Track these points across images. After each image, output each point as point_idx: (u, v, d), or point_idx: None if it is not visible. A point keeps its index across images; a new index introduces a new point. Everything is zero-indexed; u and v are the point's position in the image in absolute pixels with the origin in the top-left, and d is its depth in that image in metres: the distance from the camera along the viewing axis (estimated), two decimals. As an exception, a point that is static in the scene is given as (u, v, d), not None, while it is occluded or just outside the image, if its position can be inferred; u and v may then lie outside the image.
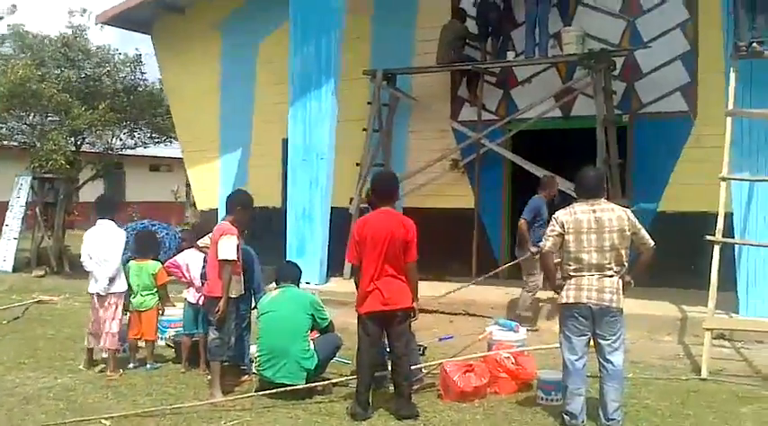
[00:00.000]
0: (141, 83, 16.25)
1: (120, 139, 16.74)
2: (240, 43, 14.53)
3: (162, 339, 7.73)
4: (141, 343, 7.33)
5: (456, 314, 10.21)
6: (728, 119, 8.28)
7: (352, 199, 12.34)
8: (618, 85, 11.39)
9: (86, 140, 15.80)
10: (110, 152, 16.68)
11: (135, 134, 16.84)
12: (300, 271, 6.75)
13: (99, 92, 14.60)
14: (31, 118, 14.51)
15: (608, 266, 5.27)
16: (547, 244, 5.43)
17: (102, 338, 6.96)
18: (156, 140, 16.96)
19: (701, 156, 10.51)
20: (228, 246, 5.98)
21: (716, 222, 7.89)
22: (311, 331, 6.28)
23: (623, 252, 5.29)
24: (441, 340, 8.10)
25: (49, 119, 14.22)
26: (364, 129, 12.45)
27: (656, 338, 8.78)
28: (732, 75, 8.38)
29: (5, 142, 15.60)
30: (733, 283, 8.72)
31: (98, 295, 6.94)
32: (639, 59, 11.30)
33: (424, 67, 12.37)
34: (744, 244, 8.43)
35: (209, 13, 14.81)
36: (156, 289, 7.17)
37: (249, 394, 6.18)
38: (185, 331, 7.18)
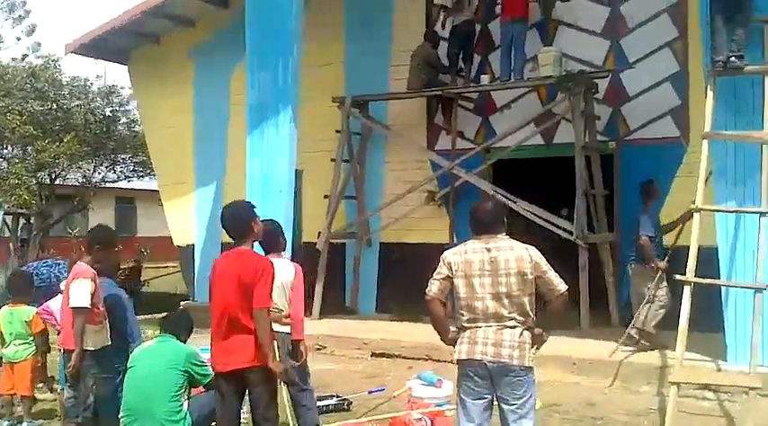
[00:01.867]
0: (119, 114, 15.65)
1: (100, 173, 16.14)
2: (212, 71, 13.86)
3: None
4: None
5: (418, 359, 9.26)
6: (705, 143, 7.29)
7: (320, 234, 11.54)
8: (603, 110, 10.48)
9: (60, 174, 15.21)
10: (87, 186, 16.06)
11: (116, 167, 16.22)
12: (191, 323, 5.79)
13: (69, 124, 14.00)
14: (-3, 151, 13.98)
15: (508, 316, 4.32)
16: (432, 289, 4.47)
17: None
18: (140, 174, 16.33)
19: (694, 185, 9.45)
20: (80, 292, 5.14)
21: (687, 258, 6.85)
22: (193, 387, 5.38)
23: (525, 299, 4.33)
24: (370, 393, 7.20)
25: (14, 152, 13.64)
26: (332, 160, 11.65)
27: (633, 388, 7.78)
28: (710, 94, 7.40)
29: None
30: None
31: None
32: (626, 81, 10.38)
33: (393, 93, 11.58)
34: (717, 285, 7.37)
35: (182, 42, 14.19)
36: (32, 338, 6.34)
37: None
38: (60, 384, 6.31)
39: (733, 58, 7.21)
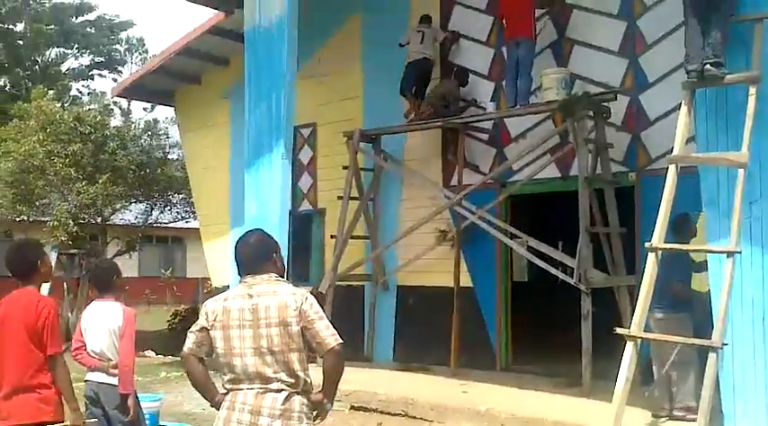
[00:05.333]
0: (169, 155, 15.79)
1: (146, 213, 16.31)
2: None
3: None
4: None
5: (395, 414, 8.41)
6: (671, 168, 6.17)
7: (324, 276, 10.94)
8: (621, 137, 9.35)
9: (111, 215, 15.43)
10: (137, 226, 16.27)
11: (170, 208, 16.32)
12: None
13: (109, 165, 14.16)
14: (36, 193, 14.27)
15: (274, 377, 3.52)
16: (187, 343, 3.73)
17: None
18: (185, 217, 16.35)
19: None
20: None
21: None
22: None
23: (293, 356, 3.52)
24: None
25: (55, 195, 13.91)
26: (339, 197, 11.03)
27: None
28: (683, 109, 6.29)
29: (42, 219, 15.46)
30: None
31: None
32: (645, 104, 9.22)
33: (398, 127, 10.86)
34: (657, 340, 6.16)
35: (218, 81, 14.11)
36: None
37: None
38: None
39: (708, 66, 6.07)
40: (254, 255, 3.71)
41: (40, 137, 13.79)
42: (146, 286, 24.19)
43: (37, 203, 14.40)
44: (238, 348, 3.56)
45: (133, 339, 5.02)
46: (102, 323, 5.00)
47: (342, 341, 3.54)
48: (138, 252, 18.15)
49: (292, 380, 3.51)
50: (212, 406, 3.72)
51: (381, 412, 8.49)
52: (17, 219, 15.24)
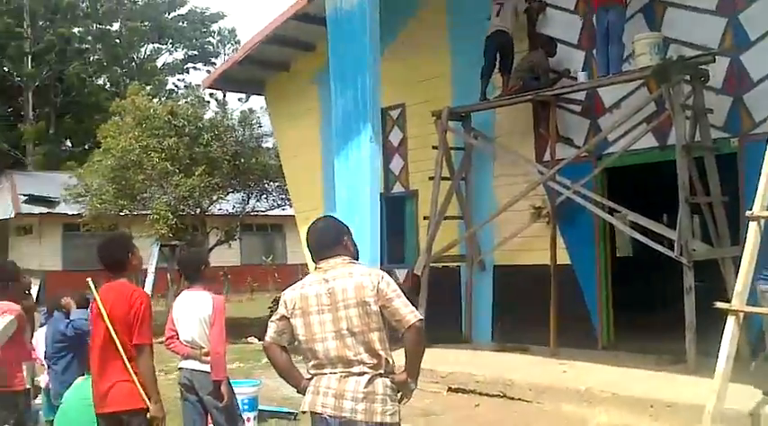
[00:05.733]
0: (254, 143, 16.04)
1: (243, 203, 16.63)
2: (333, 96, 13.66)
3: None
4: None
5: (492, 396, 8.29)
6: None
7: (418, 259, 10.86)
8: (721, 101, 8.87)
9: (210, 206, 15.79)
10: (236, 215, 16.63)
11: (267, 197, 16.56)
12: None
13: (204, 157, 14.46)
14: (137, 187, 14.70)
15: (355, 359, 3.49)
16: (268, 333, 3.72)
17: None
18: (281, 205, 16.53)
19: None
20: None
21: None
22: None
23: (373, 336, 3.48)
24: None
25: (154, 188, 14.28)
26: (430, 178, 10.91)
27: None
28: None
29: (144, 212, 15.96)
30: None
31: None
32: (747, 64, 8.73)
33: (485, 102, 10.57)
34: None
35: (307, 68, 14.13)
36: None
37: None
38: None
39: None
40: (324, 241, 3.69)
41: (136, 133, 14.21)
42: (248, 274, 24.69)
43: (138, 197, 14.84)
44: (319, 333, 3.55)
45: (223, 326, 5.08)
46: (193, 313, 5.09)
47: (421, 318, 3.47)
48: (240, 240, 18.46)
49: (374, 361, 3.48)
50: (298, 392, 3.72)
51: (479, 394, 8.40)
52: (120, 214, 15.78)
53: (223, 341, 5.05)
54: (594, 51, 9.72)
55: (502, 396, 8.20)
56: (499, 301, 11.11)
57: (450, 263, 11.49)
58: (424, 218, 11.08)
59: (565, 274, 10.16)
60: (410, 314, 3.44)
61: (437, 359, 9.72)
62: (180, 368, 5.27)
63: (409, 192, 12.53)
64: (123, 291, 4.35)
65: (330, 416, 3.49)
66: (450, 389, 8.67)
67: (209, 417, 5.16)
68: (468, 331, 11.26)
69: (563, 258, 10.27)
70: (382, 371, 3.49)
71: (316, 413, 3.55)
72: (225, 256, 24.21)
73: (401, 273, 12.27)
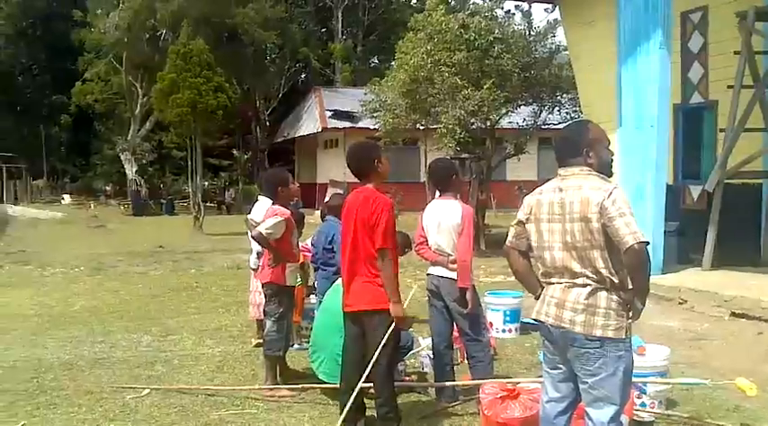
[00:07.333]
0: (546, 54, 15.67)
1: (533, 115, 16.46)
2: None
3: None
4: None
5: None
6: None
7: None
8: None
9: (499, 120, 15.84)
10: (525, 128, 16.55)
11: (559, 110, 16.23)
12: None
13: (495, 70, 14.38)
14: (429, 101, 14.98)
15: (580, 272, 3.37)
16: (508, 237, 3.68)
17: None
18: (575, 118, 15.99)
19: None
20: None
21: None
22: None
23: (595, 253, 3.32)
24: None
25: (447, 102, 14.46)
26: (729, 86, 10.01)
27: None
28: None
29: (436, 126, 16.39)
30: None
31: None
32: None
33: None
34: None
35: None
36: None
37: (293, 386, 5.60)
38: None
39: None
40: (564, 145, 3.56)
41: (428, 48, 14.49)
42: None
43: (431, 111, 15.22)
44: (548, 241, 3.49)
45: (471, 236, 5.10)
46: (442, 221, 5.15)
47: (644, 240, 3.22)
48: (538, 154, 18.22)
49: (598, 276, 3.35)
50: (535, 299, 3.71)
51: (765, 321, 7.74)
52: (415, 128, 16.34)
53: (470, 249, 5.09)
54: None
55: (732, 315, 7.56)
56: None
57: (751, 180, 10.57)
58: (720, 131, 10.24)
59: None
60: (629, 235, 3.22)
61: (723, 281, 9.18)
62: (428, 274, 5.41)
63: (708, 103, 11.60)
64: (368, 196, 4.54)
65: (552, 325, 3.46)
66: (733, 314, 8.10)
67: (455, 323, 5.31)
68: (766, 254, 10.37)
69: None
70: (607, 286, 3.37)
71: (541, 321, 3.55)
72: (521, 170, 24.27)
73: (695, 190, 11.55)
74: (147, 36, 31.88)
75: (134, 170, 32.34)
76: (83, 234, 21.52)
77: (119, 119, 35.63)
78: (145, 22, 30.57)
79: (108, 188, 40.66)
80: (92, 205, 34.52)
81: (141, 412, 5.20)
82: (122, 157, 32.83)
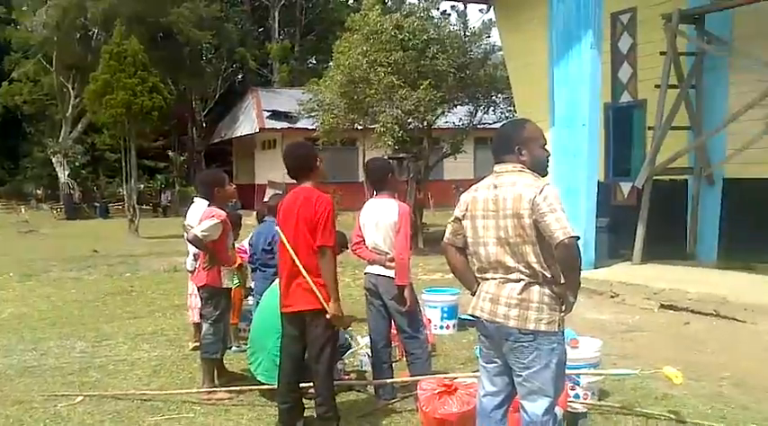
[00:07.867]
0: (481, 54, 15.89)
1: (469, 115, 16.66)
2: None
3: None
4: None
5: (705, 314, 7.95)
6: None
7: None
8: None
9: (435, 120, 15.97)
10: (461, 128, 16.74)
11: (491, 109, 16.49)
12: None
13: (430, 70, 14.53)
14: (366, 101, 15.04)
15: (514, 267, 3.46)
16: (446, 234, 3.75)
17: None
18: (510, 117, 16.28)
19: None
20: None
21: None
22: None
23: (527, 248, 3.41)
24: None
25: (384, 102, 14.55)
26: (656, 86, 10.31)
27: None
28: None
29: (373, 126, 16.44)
30: None
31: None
32: None
33: (725, 1, 9.67)
34: None
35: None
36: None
37: (231, 388, 5.59)
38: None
39: None
40: (499, 143, 3.63)
41: (364, 48, 14.55)
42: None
43: (369, 111, 15.26)
44: (483, 237, 3.56)
45: (408, 234, 5.13)
46: (379, 219, 5.19)
47: (573, 235, 3.31)
48: (474, 153, 18.43)
49: (530, 271, 3.44)
50: (471, 295, 3.77)
51: (691, 312, 8.06)
52: (353, 128, 16.36)
53: (407, 247, 5.13)
54: None
55: (714, 315, 7.82)
56: (727, 216, 10.44)
57: (677, 176, 10.91)
58: (649, 129, 10.55)
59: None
60: (559, 230, 3.30)
61: (652, 274, 9.45)
62: (366, 273, 5.43)
63: (637, 102, 11.94)
64: (309, 196, 4.55)
65: (487, 320, 3.54)
66: (662, 306, 8.37)
67: (393, 321, 5.34)
68: (693, 247, 10.75)
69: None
70: (540, 281, 3.46)
71: (476, 317, 3.63)
72: (458, 170, 24.53)
73: (626, 186, 11.87)
74: (79, 35, 31.19)
75: (66, 173, 31.66)
76: (13, 239, 20.99)
77: (49, 121, 34.68)
78: (75, 20, 29.83)
79: (39, 191, 39.55)
80: (22, 209, 33.55)
81: (74, 420, 5.10)
82: (54, 160, 32.08)
